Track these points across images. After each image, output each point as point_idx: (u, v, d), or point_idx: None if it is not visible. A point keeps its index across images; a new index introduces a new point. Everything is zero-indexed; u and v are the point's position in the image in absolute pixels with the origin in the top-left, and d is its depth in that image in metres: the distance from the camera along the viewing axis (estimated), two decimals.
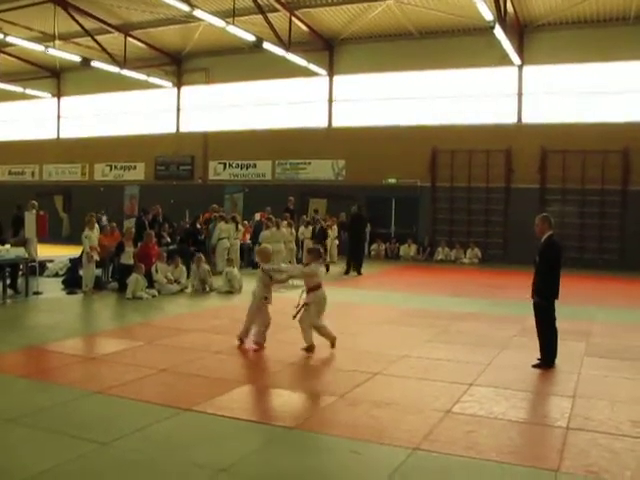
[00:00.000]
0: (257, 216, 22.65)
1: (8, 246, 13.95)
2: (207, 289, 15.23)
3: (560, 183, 22.90)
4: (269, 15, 23.02)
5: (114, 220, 20.06)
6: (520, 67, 23.41)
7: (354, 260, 19.52)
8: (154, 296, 13.96)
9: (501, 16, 19.14)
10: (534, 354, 8.49)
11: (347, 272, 19.40)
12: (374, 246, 25.63)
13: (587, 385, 7.56)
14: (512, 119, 23.98)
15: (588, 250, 22.43)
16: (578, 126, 22.53)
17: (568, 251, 22.57)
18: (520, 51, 22.70)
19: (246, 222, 21.95)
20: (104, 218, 21.86)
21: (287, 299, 14.48)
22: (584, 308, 13.56)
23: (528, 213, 22.67)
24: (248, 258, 20.85)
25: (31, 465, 5.00)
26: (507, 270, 20.74)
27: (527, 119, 23.83)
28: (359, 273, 19.24)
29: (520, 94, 23.85)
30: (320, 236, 19.97)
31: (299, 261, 21.10)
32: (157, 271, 14.63)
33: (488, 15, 17.67)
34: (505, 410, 6.50)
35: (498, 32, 18.72)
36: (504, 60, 22.37)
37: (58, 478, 4.84)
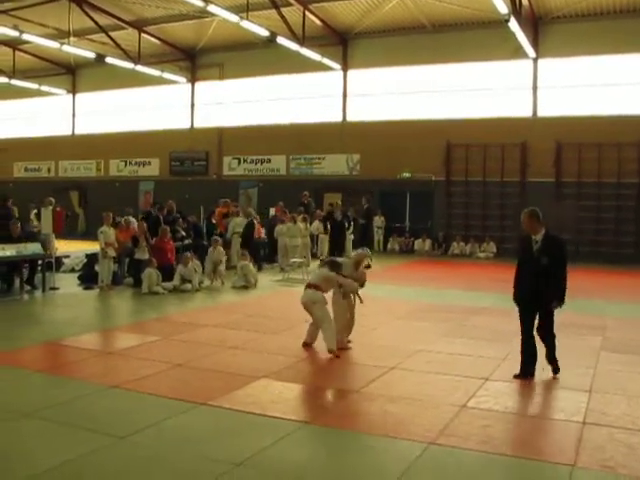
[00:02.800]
0: (272, 211, 22.69)
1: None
2: (218, 279, 15.37)
3: (576, 176, 22.74)
4: (283, 10, 22.97)
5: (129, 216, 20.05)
6: (535, 60, 23.24)
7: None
8: (170, 291, 13.99)
9: (516, 9, 19.01)
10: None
11: None
12: (390, 240, 25.65)
13: (603, 380, 7.53)
14: (527, 112, 23.82)
15: (604, 244, 22.28)
16: (593, 119, 22.35)
17: (584, 245, 22.54)
18: (535, 44, 22.54)
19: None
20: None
21: (296, 293, 14.54)
22: (600, 302, 13.50)
23: (544, 207, 22.67)
24: (264, 253, 20.91)
25: (48, 458, 5.05)
26: None
27: (542, 112, 23.66)
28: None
29: (535, 87, 23.68)
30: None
31: (314, 256, 21.19)
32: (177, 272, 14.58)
33: (503, 8, 17.55)
34: (520, 405, 6.49)
35: (513, 25, 18.59)
36: (519, 53, 22.24)
37: (75, 471, 4.88)
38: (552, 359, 7.66)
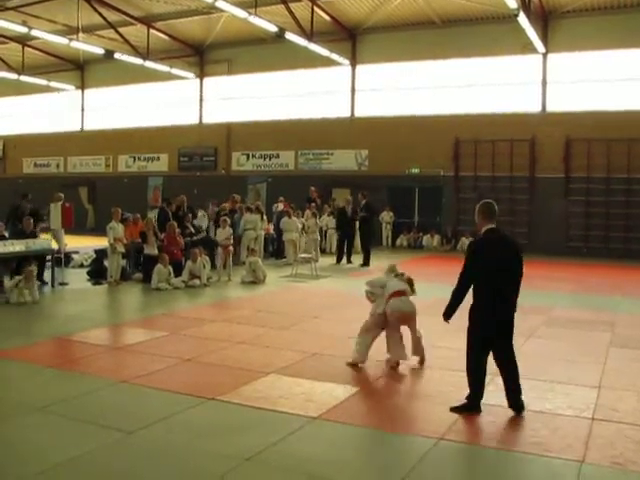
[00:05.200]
0: (280, 206, 22.71)
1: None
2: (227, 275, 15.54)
3: (585, 172, 22.66)
4: (291, 5, 22.96)
5: (137, 211, 20.11)
6: (544, 55, 23.15)
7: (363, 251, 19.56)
8: (176, 287, 13.96)
9: (525, 3, 18.95)
10: (559, 344, 8.41)
11: (339, 261, 19.62)
12: (400, 237, 25.66)
13: (612, 376, 7.50)
14: (536, 108, 23.74)
15: (613, 240, 22.22)
16: (603, 114, 22.25)
17: (593, 241, 22.49)
18: (544, 39, 22.44)
19: None
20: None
21: (305, 288, 14.54)
22: (609, 298, 13.45)
23: (553, 202, 22.72)
24: (272, 248, 20.96)
25: (58, 453, 5.08)
26: (531, 259, 20.47)
27: (551, 107, 23.58)
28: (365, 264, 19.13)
29: (544, 82, 23.60)
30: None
31: (323, 251, 21.21)
32: (186, 268, 14.59)
33: (512, 2, 17.47)
34: (529, 400, 6.46)
35: (522, 20, 18.52)
36: (528, 48, 22.16)
37: (84, 466, 4.90)
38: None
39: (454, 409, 6.13)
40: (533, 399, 6.56)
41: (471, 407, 6.12)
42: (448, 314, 6.47)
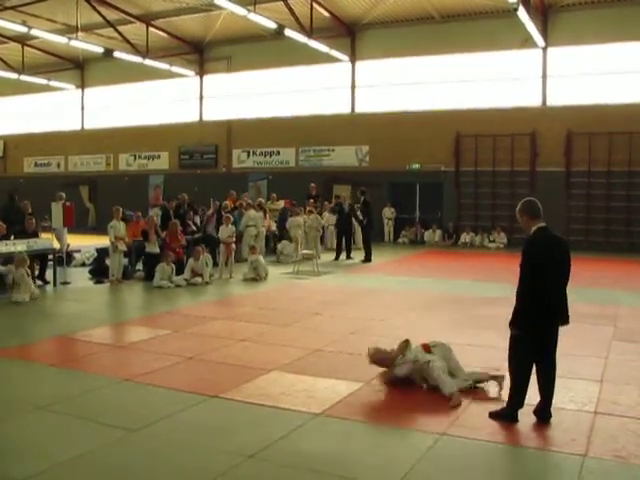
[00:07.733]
0: (281, 203, 22.77)
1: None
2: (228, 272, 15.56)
3: (586, 166, 22.63)
4: (290, 2, 22.88)
5: (138, 210, 20.10)
6: (544, 49, 23.09)
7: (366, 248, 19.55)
8: (178, 285, 13.97)
9: None
10: (561, 338, 8.34)
11: (337, 257, 19.62)
12: (403, 232, 25.65)
13: (615, 369, 7.50)
14: (537, 102, 23.70)
15: (614, 233, 22.19)
16: (604, 107, 22.20)
17: (594, 235, 22.47)
18: (544, 33, 22.38)
19: None
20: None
21: (306, 285, 14.55)
22: (611, 292, 13.45)
23: (554, 196, 22.69)
24: (273, 245, 20.94)
25: (61, 451, 5.10)
26: None
27: (552, 101, 23.53)
28: (367, 260, 19.14)
29: (544, 76, 23.54)
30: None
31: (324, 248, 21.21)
32: (187, 266, 14.61)
33: None
34: (531, 395, 6.45)
35: (522, 14, 18.48)
36: (528, 42, 22.11)
37: (87, 464, 4.91)
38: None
39: (492, 415, 5.91)
40: (535, 394, 6.55)
41: (508, 415, 5.84)
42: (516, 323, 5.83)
